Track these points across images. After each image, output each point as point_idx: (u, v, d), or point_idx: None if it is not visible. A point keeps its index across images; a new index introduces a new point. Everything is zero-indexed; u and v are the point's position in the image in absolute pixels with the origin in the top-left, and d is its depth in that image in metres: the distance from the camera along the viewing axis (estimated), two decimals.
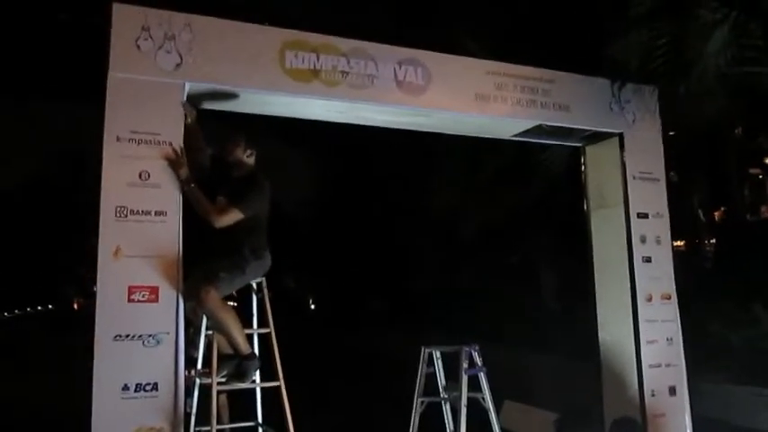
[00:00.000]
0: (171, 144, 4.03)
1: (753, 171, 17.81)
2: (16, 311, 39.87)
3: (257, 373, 4.31)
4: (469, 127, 5.44)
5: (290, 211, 19.77)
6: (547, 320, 9.47)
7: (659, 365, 5.28)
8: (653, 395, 5.23)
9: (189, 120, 4.19)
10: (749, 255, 10.76)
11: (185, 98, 4.15)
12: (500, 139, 5.91)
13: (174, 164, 3.99)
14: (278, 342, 4.28)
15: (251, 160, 4.44)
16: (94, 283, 3.89)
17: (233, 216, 4.08)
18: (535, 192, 9.02)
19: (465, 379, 4.85)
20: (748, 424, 5.95)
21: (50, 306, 44.85)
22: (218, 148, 4.51)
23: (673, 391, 5.34)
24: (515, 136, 5.58)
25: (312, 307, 28.40)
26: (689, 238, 14.78)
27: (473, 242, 11.53)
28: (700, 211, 14.99)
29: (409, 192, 13.78)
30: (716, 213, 16.32)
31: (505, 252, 12.01)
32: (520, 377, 8.64)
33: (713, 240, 14.87)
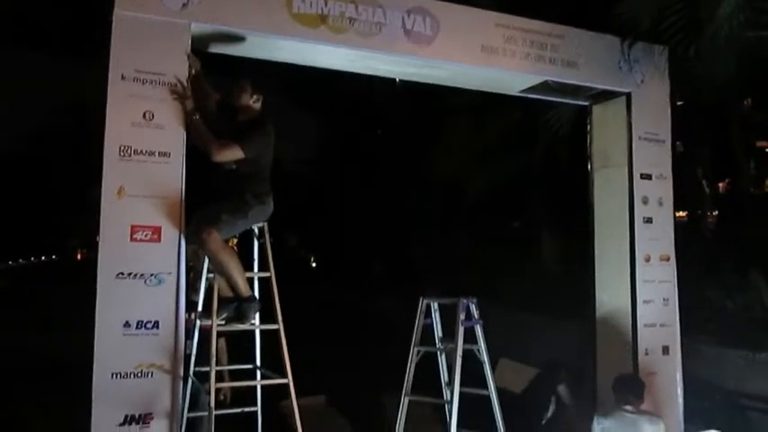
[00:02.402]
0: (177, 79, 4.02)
1: (759, 144, 17.70)
2: (20, 261, 40.24)
3: (257, 315, 4.37)
4: (476, 80, 5.40)
5: (293, 169, 19.74)
6: (547, 283, 9.54)
7: (654, 325, 5.36)
8: (646, 354, 5.32)
9: (194, 70, 4.19)
10: (750, 226, 10.81)
11: (191, 39, 4.12)
12: (506, 96, 5.86)
13: (178, 96, 3.99)
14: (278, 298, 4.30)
15: (257, 105, 4.42)
16: (98, 233, 3.93)
17: (234, 152, 4.08)
18: (539, 153, 8.98)
19: (461, 330, 4.93)
20: (737, 386, 6.05)
21: (54, 257, 45.27)
22: (224, 92, 4.50)
23: (666, 350, 5.42)
24: (522, 92, 5.54)
25: (313, 265, 28.58)
26: (692, 209, 14.82)
27: (477, 204, 11.54)
28: (703, 182, 14.96)
29: (414, 153, 13.74)
30: (720, 185, 16.30)
31: (509, 215, 12.01)
32: (516, 337, 8.77)
33: (716, 213, 14.89)
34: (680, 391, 5.49)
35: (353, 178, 18.58)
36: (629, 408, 4.55)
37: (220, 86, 4.57)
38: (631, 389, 4.65)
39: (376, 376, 7.21)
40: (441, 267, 12.77)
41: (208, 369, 4.04)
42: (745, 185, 14.57)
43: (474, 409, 5.25)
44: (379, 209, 16.97)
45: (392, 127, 14.81)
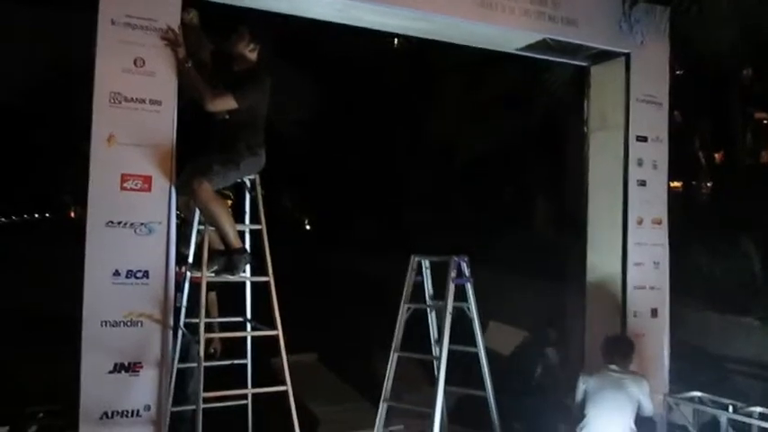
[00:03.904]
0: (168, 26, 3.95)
1: (758, 115, 17.65)
2: (14, 218, 40.07)
3: (248, 268, 4.36)
4: (472, 36, 5.28)
5: (287, 130, 19.55)
6: (541, 246, 9.58)
7: (644, 287, 5.39)
8: (635, 316, 5.36)
9: (191, 19, 4.12)
10: (744, 196, 10.84)
11: None
12: (503, 55, 5.78)
13: (170, 42, 3.92)
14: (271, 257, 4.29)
15: (253, 55, 4.34)
16: None
17: (227, 102, 4.02)
18: (535, 115, 8.92)
19: (452, 287, 4.94)
20: (722, 350, 6.13)
21: (48, 215, 45.09)
22: (220, 40, 4.41)
23: (654, 312, 5.47)
24: (519, 50, 5.45)
25: (307, 228, 28.58)
26: (688, 178, 14.84)
27: (473, 167, 11.51)
28: (700, 153, 14.95)
29: (411, 114, 13.63)
30: (717, 155, 16.29)
31: (504, 178, 11.99)
32: (508, 300, 8.84)
33: (710, 183, 14.93)
34: (666, 353, 5.55)
35: (348, 140, 18.44)
36: (614, 367, 4.59)
37: (217, 36, 4.49)
38: (620, 349, 4.68)
39: (368, 334, 7.27)
40: (435, 229, 12.79)
41: (198, 321, 4.05)
42: (742, 156, 14.59)
43: (462, 368, 5.31)
44: (374, 171, 16.91)
45: (389, 88, 14.65)
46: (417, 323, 5.44)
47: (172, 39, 3.94)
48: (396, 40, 13.63)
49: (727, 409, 5.28)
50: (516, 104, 9.51)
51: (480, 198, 12.23)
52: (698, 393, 5.61)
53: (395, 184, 16.01)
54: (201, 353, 4.00)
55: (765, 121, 17.86)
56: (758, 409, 5.23)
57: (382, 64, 14.46)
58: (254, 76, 4.21)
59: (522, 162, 10.81)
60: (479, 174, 11.97)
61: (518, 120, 9.66)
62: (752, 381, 5.95)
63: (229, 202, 4.65)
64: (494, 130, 10.29)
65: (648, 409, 4.53)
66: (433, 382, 5.50)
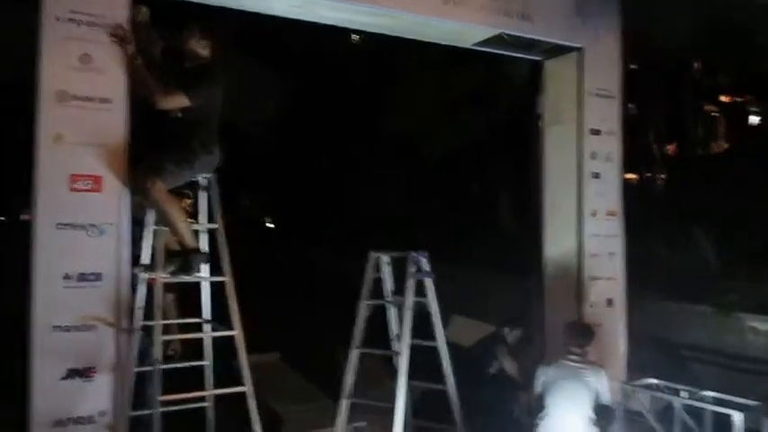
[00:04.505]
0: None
1: (708, 108, 18.18)
2: None
3: (206, 267, 4.29)
4: (430, 31, 5.29)
5: (248, 128, 19.31)
6: (504, 240, 9.67)
7: (599, 278, 5.48)
8: (591, 306, 5.46)
9: (141, 18, 4.03)
10: (696, 186, 11.14)
11: None
12: (461, 52, 5.81)
13: (119, 39, 3.83)
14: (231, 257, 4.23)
15: (206, 52, 4.26)
16: None
17: (178, 100, 3.94)
18: (500, 111, 8.99)
19: (411, 283, 4.94)
20: (678, 337, 6.27)
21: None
22: (171, 36, 4.32)
23: (610, 302, 5.57)
24: (476, 45, 5.48)
25: (269, 226, 28.33)
26: (643, 170, 15.20)
27: (437, 163, 11.56)
28: (654, 145, 15.33)
29: (373, 113, 13.61)
30: (670, 147, 16.73)
31: (468, 172, 12.06)
32: (472, 294, 8.91)
33: (663, 175, 15.32)
34: (623, 342, 5.66)
35: (312, 137, 18.32)
36: (572, 357, 4.66)
37: (168, 33, 4.39)
38: (581, 335, 4.74)
39: (331, 332, 7.24)
40: (400, 226, 12.80)
41: (155, 323, 3.97)
42: (694, 148, 15.01)
43: (425, 363, 5.32)
44: (338, 168, 16.84)
45: (353, 85, 14.60)
46: (382, 319, 5.44)
47: (120, 35, 3.84)
48: (359, 36, 13.60)
49: (680, 395, 5.41)
50: (481, 101, 9.57)
51: (447, 194, 12.29)
52: (654, 380, 5.73)
53: (359, 182, 15.98)
54: (159, 355, 3.92)
55: (715, 114, 18.38)
56: (710, 394, 5.38)
57: (347, 62, 14.41)
58: (207, 73, 4.14)
59: (488, 158, 10.89)
60: (445, 170, 12.03)
61: (483, 116, 9.74)
62: (707, 367, 6.11)
63: (188, 201, 4.57)
64: (459, 127, 10.37)
65: (606, 398, 4.61)
66: (395, 375, 5.53)
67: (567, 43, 5.45)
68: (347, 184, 16.30)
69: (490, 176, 11.70)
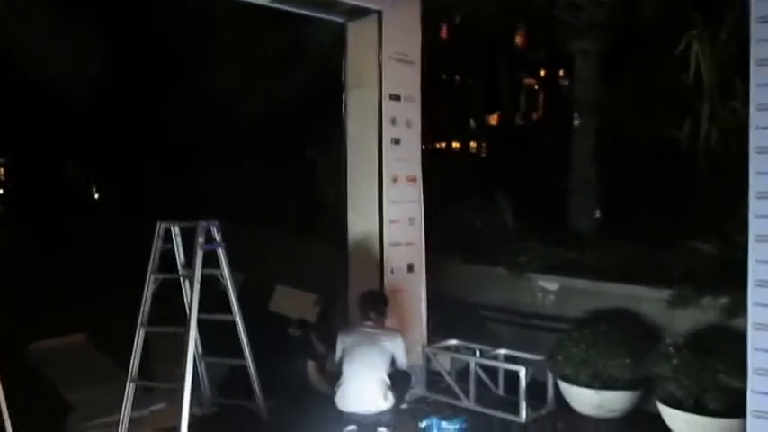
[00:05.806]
0: None
1: (528, 81, 19.38)
2: None
3: None
4: None
5: (61, 97, 17.60)
6: (313, 209, 9.53)
7: (400, 244, 5.52)
8: (392, 272, 5.49)
9: None
10: (509, 156, 11.76)
11: None
12: (260, 7, 5.48)
13: None
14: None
15: None
16: None
17: None
18: (315, 74, 8.74)
19: (200, 254, 4.68)
20: (477, 299, 6.54)
21: None
22: None
23: (411, 268, 5.65)
24: (273, 2, 5.19)
25: (96, 197, 26.27)
26: (464, 140, 15.88)
27: (253, 128, 11.15)
28: (471, 118, 16.02)
29: (190, 76, 12.85)
30: (492, 118, 17.63)
31: (286, 139, 11.73)
32: (291, 264, 8.73)
33: (474, 144, 16.11)
34: (424, 306, 5.78)
35: (130, 103, 17.06)
36: (369, 324, 4.66)
37: None
38: (373, 304, 4.77)
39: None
40: (222, 194, 12.30)
41: None
42: (510, 119, 15.89)
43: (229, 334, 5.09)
44: (159, 135, 15.83)
45: (170, 44, 13.65)
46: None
47: None
48: None
49: (475, 354, 5.66)
50: (295, 63, 9.29)
51: (264, 160, 11.93)
52: (454, 342, 5.94)
53: (182, 150, 15.14)
54: None
55: (535, 86, 19.63)
56: (502, 351, 5.67)
57: (165, 25, 13.45)
58: None
59: (303, 121, 10.65)
60: (262, 134, 11.65)
61: (297, 79, 9.47)
62: (505, 325, 6.42)
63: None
64: (275, 90, 10.03)
65: (402, 362, 4.67)
66: (204, 355, 5.26)
67: (366, 5, 5.32)
68: (170, 152, 15.40)
69: (308, 140, 11.51)
